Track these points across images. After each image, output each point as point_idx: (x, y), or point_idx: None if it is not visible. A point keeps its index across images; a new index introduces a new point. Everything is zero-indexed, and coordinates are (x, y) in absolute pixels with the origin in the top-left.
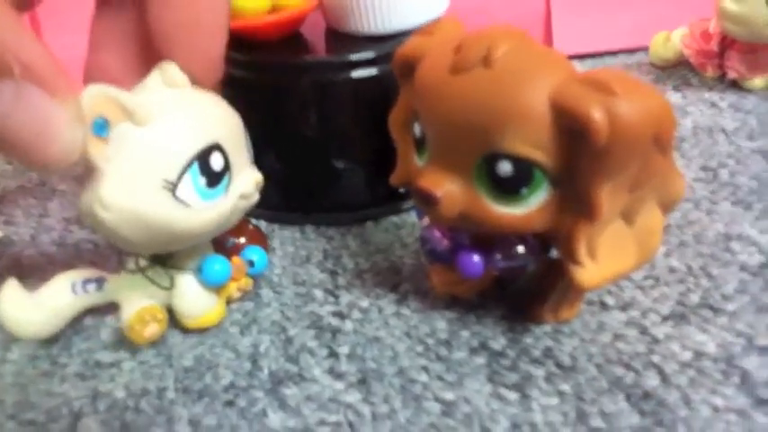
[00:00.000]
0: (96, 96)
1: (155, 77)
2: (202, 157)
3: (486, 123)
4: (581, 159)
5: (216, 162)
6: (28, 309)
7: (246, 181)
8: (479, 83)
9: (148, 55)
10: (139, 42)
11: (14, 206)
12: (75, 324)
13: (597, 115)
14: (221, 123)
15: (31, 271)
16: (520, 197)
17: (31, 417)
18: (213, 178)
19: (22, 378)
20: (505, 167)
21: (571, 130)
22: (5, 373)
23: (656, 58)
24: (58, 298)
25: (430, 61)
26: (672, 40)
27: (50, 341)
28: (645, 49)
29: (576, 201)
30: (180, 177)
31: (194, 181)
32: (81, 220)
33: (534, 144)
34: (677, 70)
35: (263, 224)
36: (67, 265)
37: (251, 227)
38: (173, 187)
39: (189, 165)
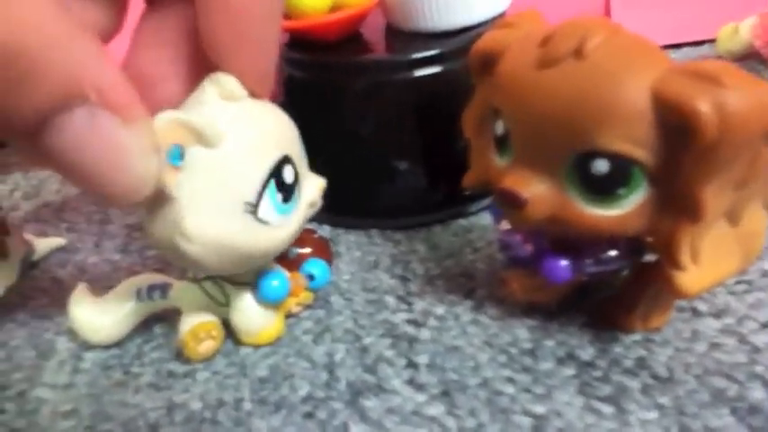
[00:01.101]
0: (170, 123)
1: (210, 91)
2: (277, 173)
3: (581, 119)
4: (684, 156)
5: (288, 175)
6: (97, 313)
7: (312, 189)
8: (572, 76)
9: (193, 60)
10: (185, 46)
11: (77, 213)
12: (145, 332)
13: (705, 108)
14: (286, 134)
15: (96, 278)
16: (616, 198)
17: (109, 428)
18: (288, 192)
19: (95, 388)
20: (602, 166)
21: (674, 125)
22: (79, 384)
23: (724, 50)
24: (125, 303)
25: (513, 55)
26: (740, 32)
27: (122, 350)
28: (711, 41)
29: (676, 201)
30: (260, 197)
31: (272, 198)
32: (151, 244)
33: (634, 141)
34: (747, 63)
35: (326, 228)
36: (131, 271)
37: (315, 236)
38: (254, 209)
39: (266, 182)
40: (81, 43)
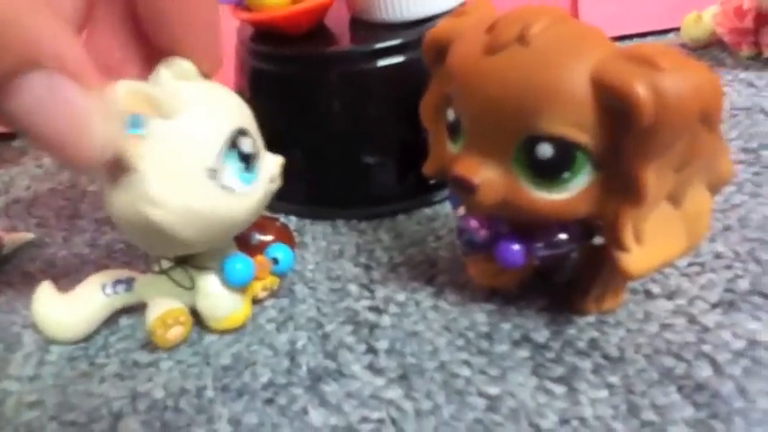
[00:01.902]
0: (129, 92)
1: (164, 72)
2: (235, 141)
3: (524, 104)
4: (625, 139)
5: (246, 145)
6: (62, 311)
7: (271, 165)
8: (515, 62)
9: (145, 46)
10: (134, 32)
11: (46, 208)
12: (112, 324)
13: (642, 91)
14: (240, 110)
15: (65, 272)
16: (562, 181)
17: (73, 418)
18: (248, 161)
19: (61, 379)
20: (546, 150)
21: (614, 109)
22: (45, 375)
23: (688, 38)
24: (91, 299)
25: (462, 43)
26: (703, 20)
27: (88, 342)
28: (675, 30)
29: (620, 183)
30: (221, 163)
31: (234, 165)
32: (114, 222)
33: (575, 124)
34: (710, 50)
35: (293, 220)
36: (100, 265)
37: (278, 224)
38: (216, 174)
39: (226, 149)
40: (43, 15)
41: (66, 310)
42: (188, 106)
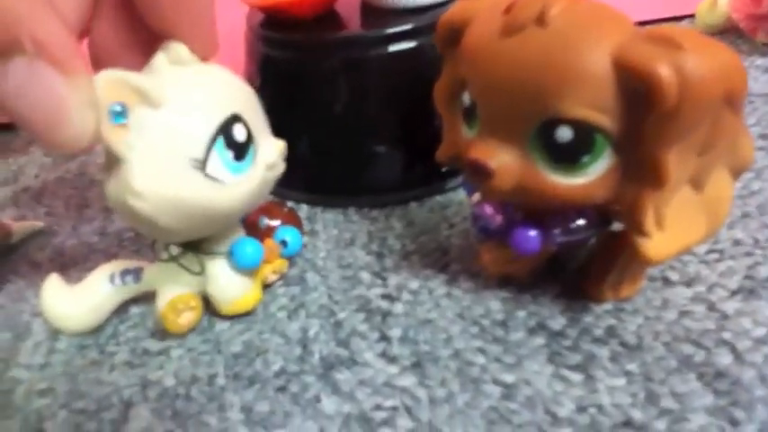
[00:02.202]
0: (111, 81)
1: (160, 58)
2: (225, 130)
3: (543, 86)
4: (646, 121)
5: (239, 133)
6: (70, 303)
7: (270, 150)
8: (534, 43)
9: (143, 32)
10: (132, 19)
11: (55, 197)
12: (122, 313)
13: (665, 72)
14: (237, 95)
15: (74, 261)
16: (580, 166)
17: (83, 405)
18: (239, 150)
19: (71, 368)
20: (565, 134)
21: (636, 90)
22: (55, 363)
23: (703, 24)
24: (98, 291)
25: (478, 25)
26: (719, 5)
27: (98, 330)
28: (690, 16)
29: (641, 167)
30: (207, 153)
31: (221, 155)
32: (112, 207)
33: (596, 107)
34: (726, 37)
35: (304, 208)
36: (109, 253)
37: (285, 209)
38: (201, 165)
39: (213, 139)
40: (26, 1)
41: (75, 301)
42: (176, 95)
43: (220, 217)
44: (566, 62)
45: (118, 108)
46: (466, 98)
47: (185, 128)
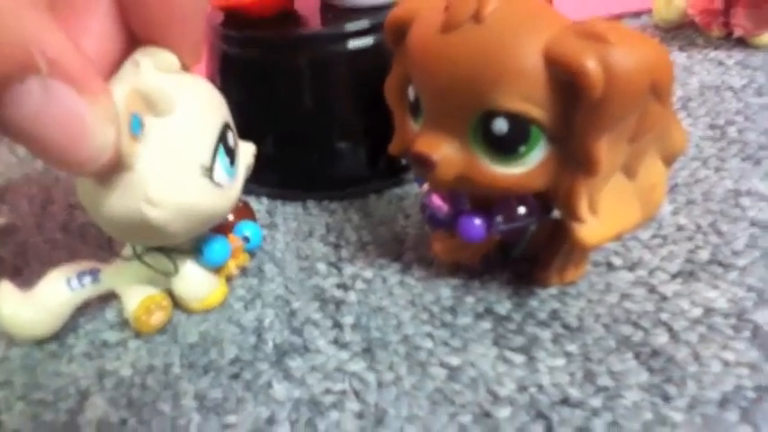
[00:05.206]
0: (129, 92)
1: (146, 63)
2: (223, 137)
3: (479, 81)
4: (577, 112)
5: (231, 140)
6: (26, 310)
7: (246, 153)
8: (470, 39)
9: (119, 34)
10: (113, 21)
11: (20, 196)
12: (81, 306)
13: (591, 65)
14: (222, 102)
15: (37, 257)
16: (517, 156)
17: (40, 397)
18: (232, 156)
19: (29, 360)
20: (501, 125)
21: (566, 83)
22: (13, 357)
23: (660, 19)
24: (55, 295)
25: (421, 22)
26: (675, 1)
27: None
28: (648, 11)
29: (574, 156)
30: (213, 160)
31: (222, 162)
32: (96, 219)
33: (529, 99)
34: (682, 31)
35: (264, 201)
36: (73, 249)
37: (240, 204)
38: (209, 172)
39: (217, 146)
40: (32, 16)
41: (31, 308)
42: (180, 102)
43: (217, 220)
44: (500, 57)
45: (136, 119)
46: (411, 93)
47: (193, 136)
